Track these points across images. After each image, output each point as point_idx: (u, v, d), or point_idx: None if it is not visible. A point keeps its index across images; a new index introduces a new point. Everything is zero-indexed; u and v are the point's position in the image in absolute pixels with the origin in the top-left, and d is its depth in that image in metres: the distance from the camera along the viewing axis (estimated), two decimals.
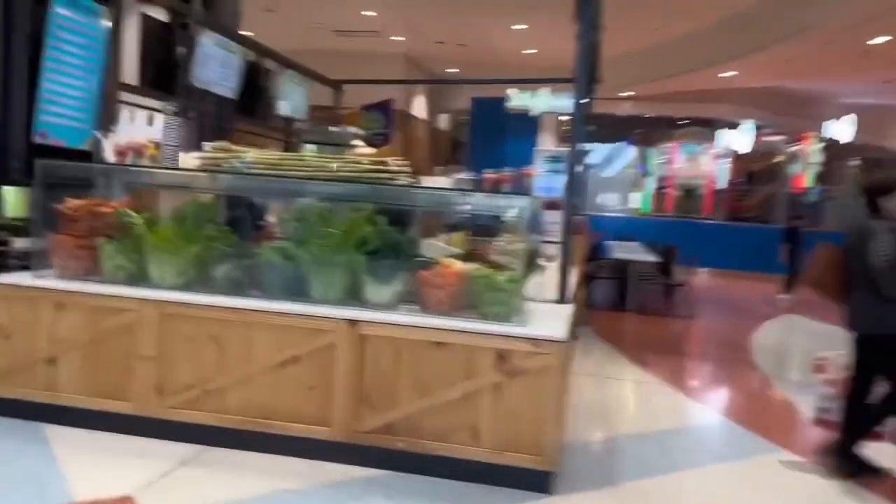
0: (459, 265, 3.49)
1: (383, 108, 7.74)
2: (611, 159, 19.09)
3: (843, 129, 17.42)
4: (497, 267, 3.53)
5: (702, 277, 14.70)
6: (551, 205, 7.87)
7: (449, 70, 16.78)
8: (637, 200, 18.87)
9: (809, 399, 5.39)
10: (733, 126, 17.09)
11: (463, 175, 3.95)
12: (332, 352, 3.24)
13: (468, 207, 3.81)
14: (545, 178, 8.26)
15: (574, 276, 5.49)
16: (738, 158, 18.59)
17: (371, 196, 3.59)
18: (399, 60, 15.12)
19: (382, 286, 3.34)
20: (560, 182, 8.03)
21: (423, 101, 17.67)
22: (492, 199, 3.62)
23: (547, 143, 16.66)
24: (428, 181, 3.99)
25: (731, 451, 3.99)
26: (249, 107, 6.08)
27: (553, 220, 7.43)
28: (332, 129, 6.28)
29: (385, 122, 7.73)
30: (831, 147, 19.18)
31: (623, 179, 19.59)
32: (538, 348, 3.06)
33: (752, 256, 15.79)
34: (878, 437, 3.77)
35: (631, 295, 8.95)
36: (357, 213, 3.41)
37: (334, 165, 3.47)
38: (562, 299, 3.98)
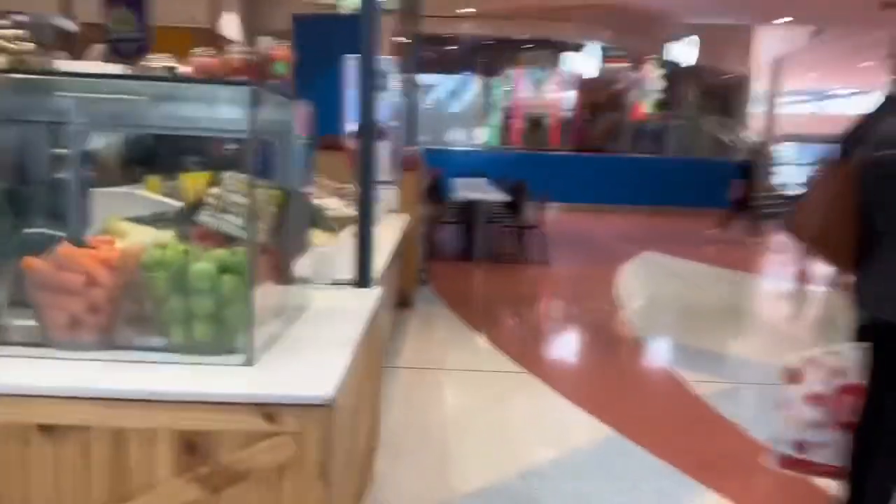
0: (133, 240, 1.72)
1: (135, 2, 5.55)
2: (456, 92, 17.56)
3: (685, 52, 16.95)
4: (227, 240, 1.78)
5: (554, 214, 13.77)
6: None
7: None
8: (484, 134, 17.61)
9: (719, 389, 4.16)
10: (578, 49, 16.06)
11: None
12: None
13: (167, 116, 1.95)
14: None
15: (392, 238, 3.87)
16: (583, 86, 17.76)
17: None
18: None
19: None
20: (385, 106, 6.34)
21: (234, 20, 15.01)
22: (195, 94, 1.81)
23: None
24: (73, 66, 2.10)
25: None
26: None
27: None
28: (18, 17, 4.12)
29: (139, 24, 5.56)
30: (673, 71, 18.83)
31: (469, 112, 18.21)
32: (276, 423, 1.38)
33: (601, 188, 15.08)
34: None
35: (479, 241, 7.53)
36: None
37: None
38: (362, 281, 2.35)
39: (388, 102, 6.01)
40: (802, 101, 33.41)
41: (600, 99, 18.65)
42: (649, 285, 7.23)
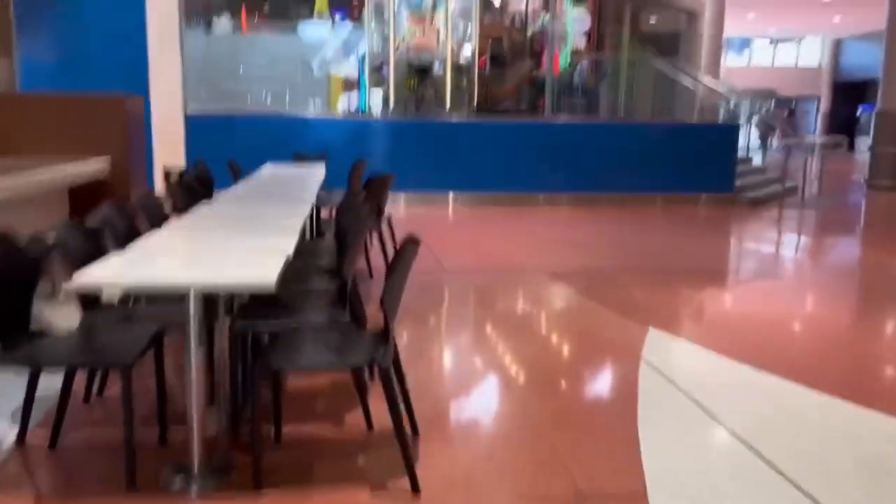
0: None
1: None
2: (346, 48, 11.87)
3: None
4: None
5: (450, 217, 8.62)
6: None
7: None
8: (354, 97, 12.16)
9: None
10: None
11: None
12: None
13: None
14: None
15: None
16: (484, 24, 12.66)
17: None
18: None
19: None
20: None
21: None
22: None
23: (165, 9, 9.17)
24: None
25: None
26: None
27: None
28: None
29: None
30: (601, 5, 14.02)
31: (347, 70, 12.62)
32: None
33: (523, 170, 10.14)
34: None
35: (220, 412, 2.29)
36: None
37: None
38: None
39: None
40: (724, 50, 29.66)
41: (509, 45, 13.66)
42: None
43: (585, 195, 9.90)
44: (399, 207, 9.17)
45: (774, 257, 7.12)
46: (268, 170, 6.02)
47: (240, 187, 4.57)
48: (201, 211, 3.36)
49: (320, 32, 11.69)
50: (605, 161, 10.08)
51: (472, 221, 8.73)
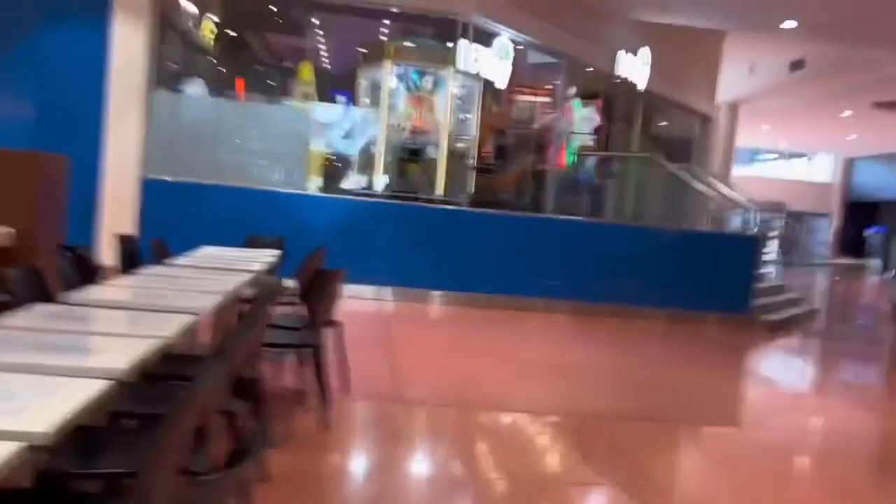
0: None
1: None
2: (355, 128, 10.95)
3: (636, 69, 11.47)
4: None
5: (423, 327, 7.26)
6: None
7: None
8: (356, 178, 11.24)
9: None
10: (484, 41, 10.15)
11: None
12: None
13: None
14: None
15: None
16: (492, 110, 11.95)
17: None
18: None
19: None
20: None
21: None
22: None
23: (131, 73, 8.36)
24: None
25: None
26: None
27: None
28: None
29: None
30: (613, 100, 13.36)
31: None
32: None
33: (520, 272, 9.08)
34: None
35: None
36: None
37: None
38: None
39: None
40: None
41: (513, 136, 12.91)
42: None
43: (587, 305, 8.78)
44: (377, 304, 8.07)
45: (801, 405, 5.93)
46: (201, 253, 4.95)
47: (135, 277, 3.47)
48: (38, 310, 2.26)
49: (323, 111, 10.88)
50: (610, 267, 9.03)
51: (453, 330, 7.59)
